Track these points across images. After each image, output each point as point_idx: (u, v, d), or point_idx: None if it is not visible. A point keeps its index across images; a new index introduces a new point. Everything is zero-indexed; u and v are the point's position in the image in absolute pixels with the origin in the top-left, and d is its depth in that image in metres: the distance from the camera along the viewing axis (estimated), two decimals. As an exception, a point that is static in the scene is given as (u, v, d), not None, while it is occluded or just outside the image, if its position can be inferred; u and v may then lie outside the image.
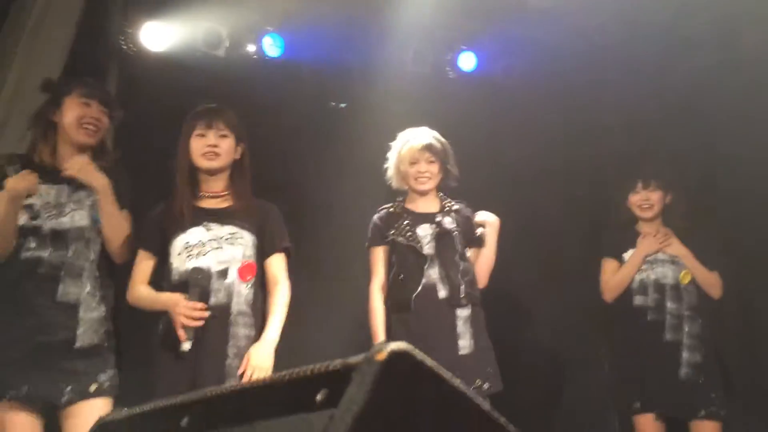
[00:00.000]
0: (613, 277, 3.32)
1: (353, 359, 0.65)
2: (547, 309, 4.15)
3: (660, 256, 3.30)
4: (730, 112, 3.69)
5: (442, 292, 2.83)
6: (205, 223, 2.55)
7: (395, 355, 0.63)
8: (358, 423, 0.59)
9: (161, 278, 2.58)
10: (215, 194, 2.62)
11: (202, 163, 2.57)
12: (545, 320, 4.19)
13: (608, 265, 3.35)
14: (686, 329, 3.16)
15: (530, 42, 4.13)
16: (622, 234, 3.40)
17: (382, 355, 0.62)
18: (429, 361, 0.64)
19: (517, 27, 4.03)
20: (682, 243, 3.30)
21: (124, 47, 3.71)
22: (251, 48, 3.96)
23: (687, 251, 3.28)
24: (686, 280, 3.24)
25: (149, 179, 2.92)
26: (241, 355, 2.44)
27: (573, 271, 3.92)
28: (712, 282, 3.25)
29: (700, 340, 3.16)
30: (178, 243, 2.52)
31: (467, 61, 4.35)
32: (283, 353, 2.49)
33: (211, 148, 2.56)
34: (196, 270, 2.45)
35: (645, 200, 3.34)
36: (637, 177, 3.35)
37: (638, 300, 3.25)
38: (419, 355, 0.64)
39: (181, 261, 2.50)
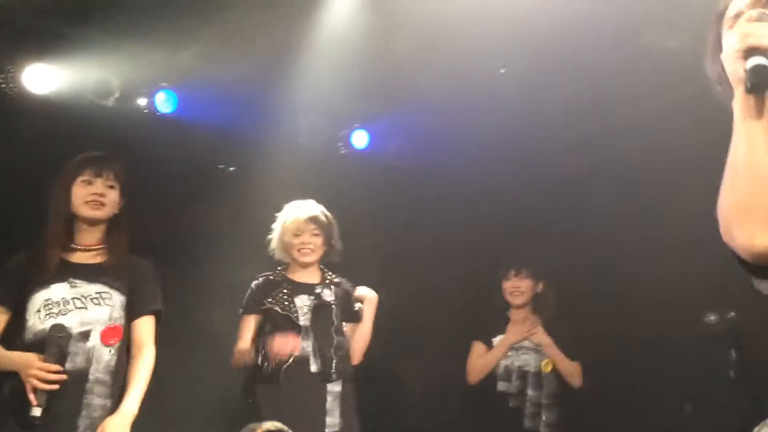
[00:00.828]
0: (479, 360, 3.42)
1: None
2: (418, 387, 4.21)
3: (525, 343, 3.40)
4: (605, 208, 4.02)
5: (314, 366, 2.81)
6: (70, 279, 2.39)
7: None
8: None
9: (13, 336, 2.37)
10: (88, 247, 2.47)
11: (85, 211, 2.43)
12: (416, 398, 4.23)
13: (477, 348, 3.46)
14: (543, 418, 3.27)
15: (422, 127, 4.33)
16: (494, 318, 3.54)
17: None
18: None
19: (412, 112, 4.22)
20: (549, 332, 3.42)
21: (2, 86, 3.53)
22: (142, 101, 3.89)
23: (550, 340, 3.39)
24: (548, 369, 3.33)
25: (13, 225, 2.74)
26: (93, 427, 2.26)
27: (446, 351, 4.01)
28: (571, 371, 3.36)
29: (556, 430, 3.28)
30: (38, 299, 2.35)
31: (360, 139, 4.47)
32: (143, 426, 2.35)
33: (98, 197, 2.43)
34: (56, 328, 2.28)
35: (515, 287, 3.50)
36: (510, 265, 3.51)
37: (501, 386, 3.34)
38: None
39: (39, 319, 2.32)
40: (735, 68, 1.08)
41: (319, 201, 3.07)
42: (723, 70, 1.13)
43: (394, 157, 4.53)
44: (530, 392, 3.29)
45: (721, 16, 1.25)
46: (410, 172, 4.43)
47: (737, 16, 1.16)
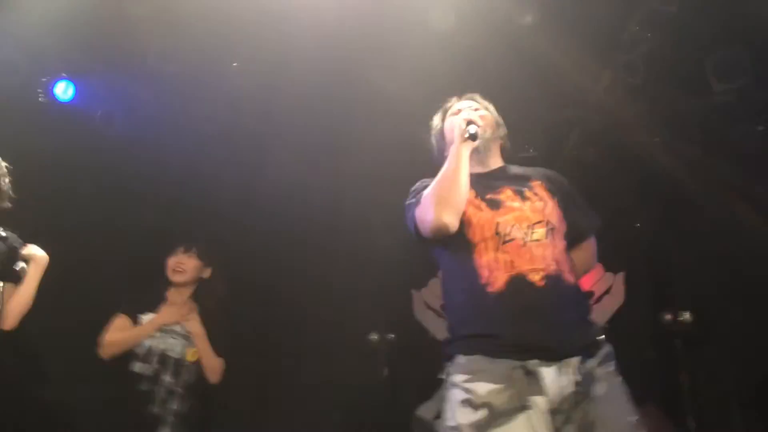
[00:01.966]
0: (117, 333, 3.17)
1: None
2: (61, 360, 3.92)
3: (176, 328, 3.22)
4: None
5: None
6: None
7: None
8: None
9: None
10: None
11: None
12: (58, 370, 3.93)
13: (118, 322, 3.21)
14: (174, 407, 3.12)
15: (138, 97, 4.13)
16: (149, 295, 3.32)
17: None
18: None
19: (132, 79, 4.01)
20: (204, 322, 3.24)
21: None
22: None
23: (203, 331, 3.21)
24: (192, 359, 3.18)
25: None
26: None
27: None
28: (214, 367, 3.21)
29: (183, 420, 3.13)
30: None
31: (64, 90, 4.08)
32: None
33: None
34: None
35: (180, 264, 3.30)
36: (180, 240, 3.34)
37: (137, 366, 3.15)
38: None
39: None
40: (459, 129, 2.21)
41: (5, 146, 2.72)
42: (444, 134, 2.40)
43: (99, 119, 4.21)
44: (167, 378, 3.13)
45: (446, 111, 2.47)
46: (110, 137, 4.16)
47: (459, 110, 2.38)
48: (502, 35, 3.70)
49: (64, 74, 4.07)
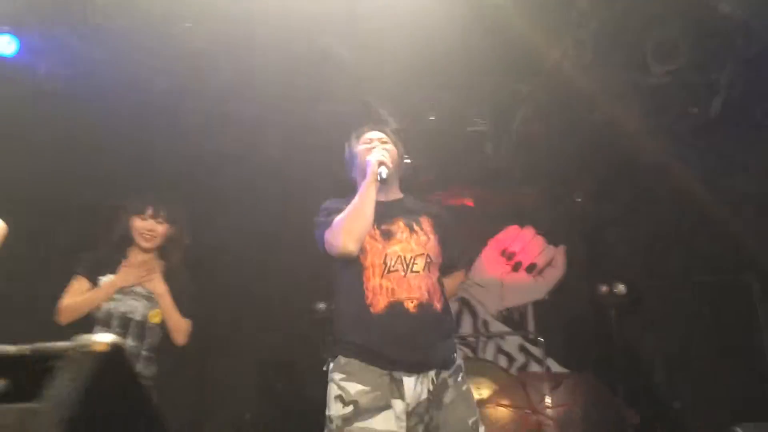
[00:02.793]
0: (75, 297, 2.99)
1: (53, 346, 0.53)
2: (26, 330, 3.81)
3: (138, 288, 3.07)
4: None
5: None
6: None
7: (115, 348, 0.55)
8: (72, 421, 0.47)
9: None
10: None
11: None
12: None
13: (77, 284, 3.03)
14: (139, 371, 2.97)
15: (85, 55, 4.01)
16: (107, 255, 3.13)
17: (101, 346, 0.55)
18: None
19: (81, 36, 3.88)
20: (168, 280, 3.11)
21: None
22: None
23: (166, 290, 3.07)
24: (155, 320, 3.05)
25: None
26: None
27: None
28: (180, 327, 3.09)
29: (152, 382, 3.02)
30: None
31: (6, 45, 3.92)
32: None
33: None
34: None
35: (151, 230, 3.15)
36: (148, 203, 3.17)
37: (98, 331, 3.00)
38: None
39: None
40: (371, 168, 2.54)
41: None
42: (355, 158, 2.73)
43: (43, 74, 4.07)
44: (129, 342, 2.96)
45: (359, 137, 2.79)
46: (55, 93, 4.03)
47: (371, 139, 2.74)
48: (458, 8, 3.77)
49: (6, 28, 3.90)
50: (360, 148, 2.74)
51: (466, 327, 5.82)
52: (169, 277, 3.13)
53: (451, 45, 4.05)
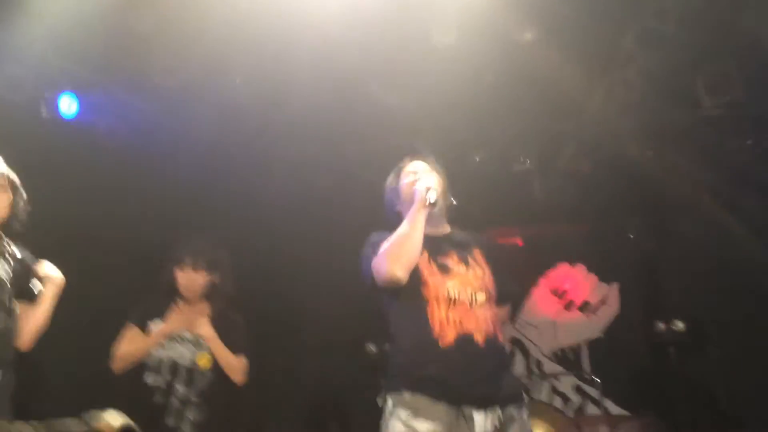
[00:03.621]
0: (129, 345, 3.06)
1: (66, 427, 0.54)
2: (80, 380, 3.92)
3: (186, 334, 3.11)
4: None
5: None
6: None
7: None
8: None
9: None
10: None
11: None
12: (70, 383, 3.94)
13: (129, 332, 3.10)
14: (190, 417, 3.01)
15: (141, 110, 4.17)
16: (156, 303, 3.21)
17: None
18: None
19: (134, 91, 4.05)
20: (216, 324, 3.13)
21: None
22: None
23: (214, 334, 3.09)
24: (203, 363, 3.06)
25: None
26: None
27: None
28: (234, 366, 3.10)
29: (201, 430, 3.01)
30: None
31: (68, 105, 4.11)
32: None
33: None
34: None
35: (191, 281, 3.20)
36: (188, 253, 3.21)
37: (149, 378, 3.04)
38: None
39: None
40: (419, 194, 2.46)
41: (9, 162, 2.72)
42: (399, 192, 2.63)
43: (102, 134, 4.24)
44: (179, 388, 3.01)
45: (400, 170, 2.70)
46: (113, 151, 4.20)
47: (414, 171, 2.64)
48: (501, 49, 3.79)
49: (67, 89, 4.09)
50: (404, 181, 2.66)
51: (519, 368, 5.71)
52: (217, 319, 3.17)
53: (497, 84, 4.07)
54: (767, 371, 4.75)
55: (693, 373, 5.12)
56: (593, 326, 5.72)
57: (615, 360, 5.46)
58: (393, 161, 4.71)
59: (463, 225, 5.58)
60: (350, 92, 4.14)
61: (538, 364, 5.74)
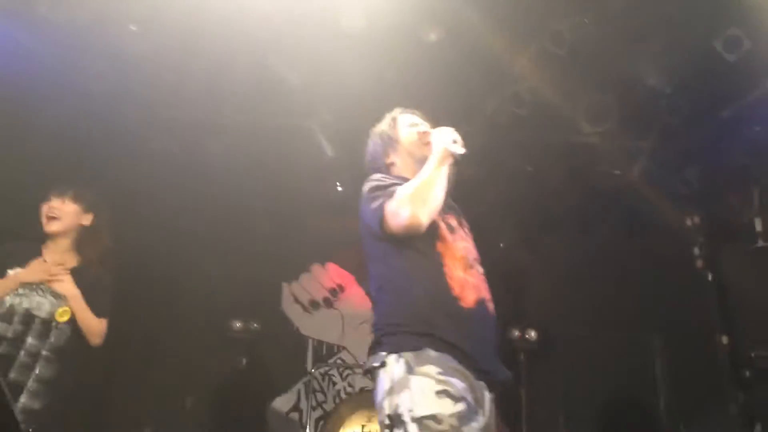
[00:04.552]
0: None
1: None
2: None
3: (45, 285, 2.87)
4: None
5: None
6: None
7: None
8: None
9: None
10: None
11: None
12: None
13: None
14: (36, 371, 2.79)
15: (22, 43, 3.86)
16: (20, 248, 2.95)
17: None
18: None
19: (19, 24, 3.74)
20: (80, 277, 2.92)
21: None
22: None
23: (76, 292, 2.88)
24: (63, 318, 2.86)
25: None
26: None
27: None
28: (94, 328, 2.91)
29: (47, 386, 2.79)
30: None
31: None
32: None
33: None
34: None
35: (52, 209, 2.93)
36: (54, 186, 2.98)
37: None
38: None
39: None
40: (447, 142, 2.25)
41: None
42: (396, 141, 2.46)
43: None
44: (30, 340, 2.78)
45: (395, 119, 2.52)
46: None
47: (417, 123, 2.50)
48: (405, 47, 3.87)
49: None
50: (408, 131, 2.46)
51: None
52: (81, 274, 2.94)
53: (393, 80, 4.15)
54: (606, 382, 5.17)
55: (539, 380, 5.47)
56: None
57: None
58: (282, 136, 4.74)
59: (346, 214, 5.63)
60: (248, 60, 4.06)
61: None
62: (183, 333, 5.12)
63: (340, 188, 5.06)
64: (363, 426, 5.50)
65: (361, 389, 5.67)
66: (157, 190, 4.79)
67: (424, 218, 2.07)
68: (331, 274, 5.96)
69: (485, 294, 2.16)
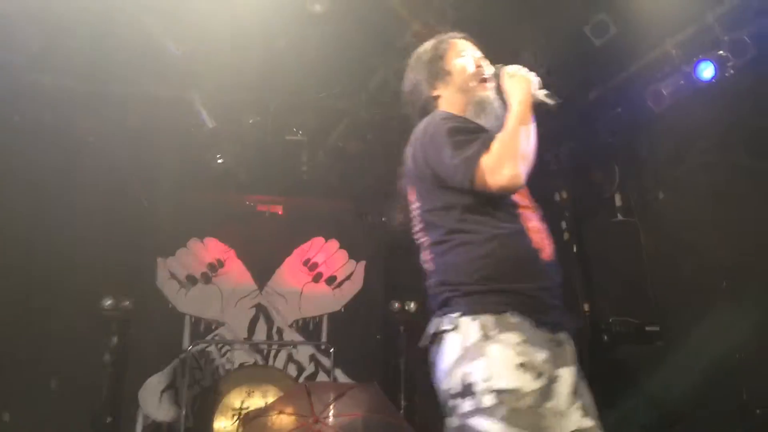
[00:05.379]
0: None
1: None
2: None
3: None
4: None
5: None
6: None
7: None
8: None
9: None
10: None
11: None
12: None
13: None
14: None
15: None
16: None
17: None
18: None
19: None
20: None
21: None
22: None
23: None
24: None
25: None
26: None
27: None
28: None
29: None
30: None
31: None
32: None
33: None
34: None
35: None
36: None
37: None
38: None
39: None
40: (536, 83, 1.98)
41: None
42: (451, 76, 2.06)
43: None
44: None
45: (446, 44, 2.12)
46: None
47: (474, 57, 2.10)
48: (296, 17, 3.79)
49: None
50: (460, 61, 2.10)
51: (260, 334, 5.78)
52: None
53: (279, 54, 4.06)
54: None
55: (418, 349, 5.64)
56: (336, 300, 6.01)
57: (351, 333, 5.81)
58: (161, 107, 4.51)
59: (226, 187, 5.47)
60: (125, 25, 3.81)
61: (280, 332, 5.86)
62: (50, 311, 4.79)
63: (220, 160, 4.90)
64: (242, 401, 5.46)
65: (241, 365, 5.60)
66: (25, 161, 4.42)
67: (525, 177, 1.83)
68: (210, 249, 5.80)
69: (552, 243, 1.95)
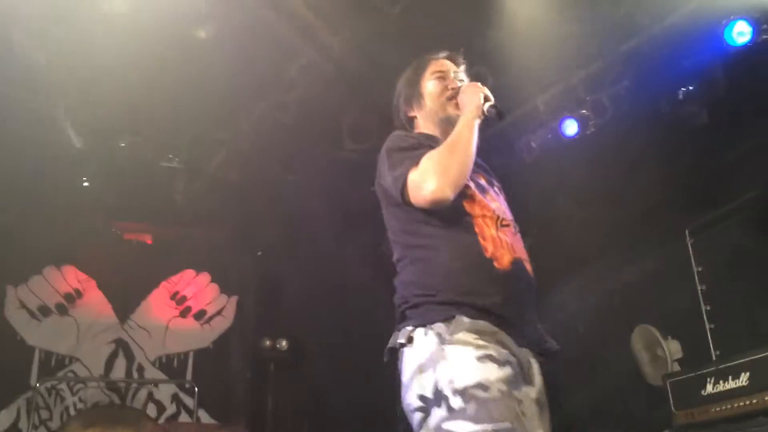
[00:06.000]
0: None
1: None
2: None
3: None
4: None
5: None
6: None
7: None
8: None
9: None
10: None
11: None
12: None
13: None
14: None
15: None
16: None
17: None
18: None
19: None
20: None
21: None
22: None
23: None
24: None
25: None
26: None
27: None
28: None
29: None
30: None
31: None
32: None
33: None
34: None
35: None
36: None
37: None
38: None
39: None
40: (481, 99, 2.01)
41: None
42: (426, 95, 2.12)
43: None
44: None
45: (426, 65, 2.16)
46: None
47: (446, 72, 2.15)
48: (179, 42, 3.69)
49: None
50: (431, 82, 2.17)
51: (119, 371, 5.42)
52: None
53: (159, 77, 3.93)
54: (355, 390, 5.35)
55: (288, 389, 5.52)
56: (205, 336, 5.76)
57: (218, 371, 5.60)
58: (22, 121, 4.19)
59: (92, 211, 5.14)
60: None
61: (141, 369, 5.53)
62: None
63: (86, 184, 4.62)
64: (95, 445, 5.07)
65: (95, 404, 5.20)
66: None
67: (450, 191, 1.85)
68: (68, 278, 5.40)
69: (522, 254, 1.96)
